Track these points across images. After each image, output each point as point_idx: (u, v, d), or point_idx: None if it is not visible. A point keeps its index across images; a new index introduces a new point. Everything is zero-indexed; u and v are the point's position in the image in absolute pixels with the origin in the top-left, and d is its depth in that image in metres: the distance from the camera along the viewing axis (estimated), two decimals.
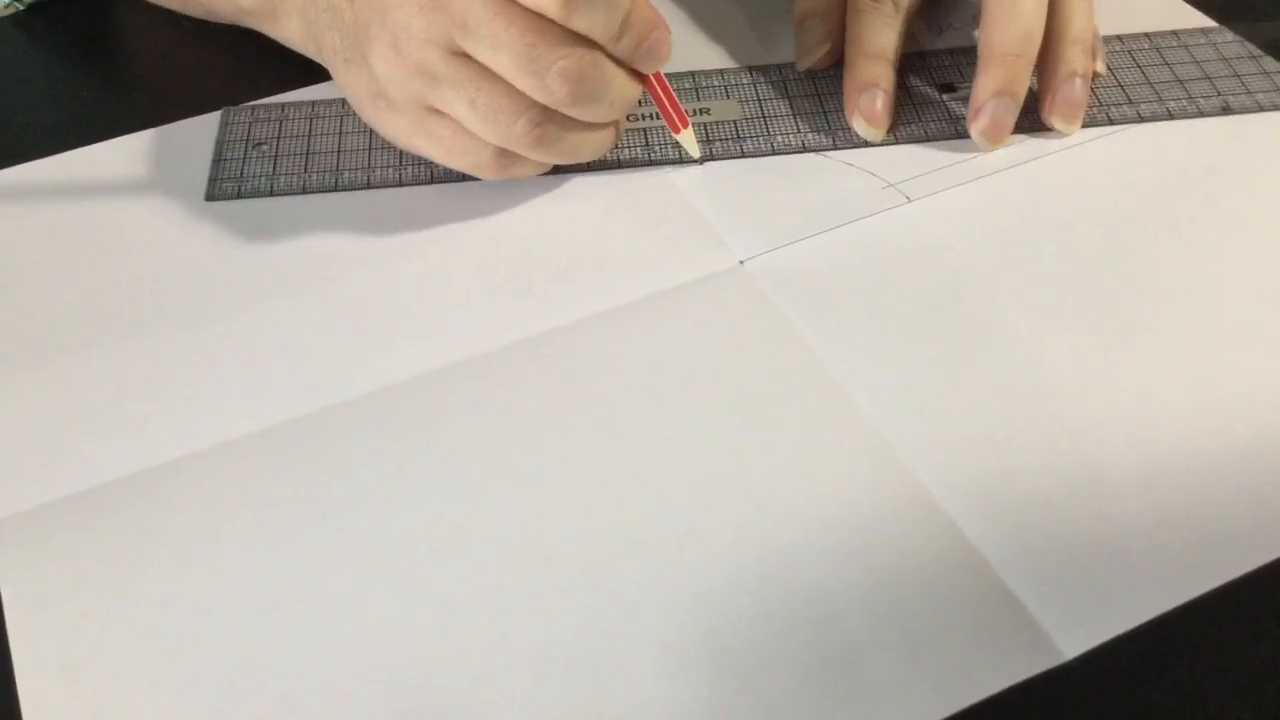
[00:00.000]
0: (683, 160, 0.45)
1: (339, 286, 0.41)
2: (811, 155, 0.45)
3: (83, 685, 0.31)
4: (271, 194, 0.44)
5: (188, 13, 0.51)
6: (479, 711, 0.30)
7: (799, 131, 0.45)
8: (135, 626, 0.32)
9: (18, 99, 0.49)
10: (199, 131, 0.46)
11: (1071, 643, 0.31)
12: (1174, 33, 0.49)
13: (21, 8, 0.53)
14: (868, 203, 0.43)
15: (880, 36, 0.45)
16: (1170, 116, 0.45)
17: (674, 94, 0.42)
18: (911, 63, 0.48)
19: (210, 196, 0.44)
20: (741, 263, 0.41)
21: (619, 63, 0.39)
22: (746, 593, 0.32)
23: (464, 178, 0.43)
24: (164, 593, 0.33)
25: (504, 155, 0.41)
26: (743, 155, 0.45)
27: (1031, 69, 0.44)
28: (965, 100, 0.45)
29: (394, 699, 0.30)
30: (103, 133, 0.46)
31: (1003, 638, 0.31)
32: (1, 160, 0.46)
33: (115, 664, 0.31)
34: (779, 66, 0.49)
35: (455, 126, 0.40)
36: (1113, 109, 0.46)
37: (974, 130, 0.44)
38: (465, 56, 0.38)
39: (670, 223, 0.42)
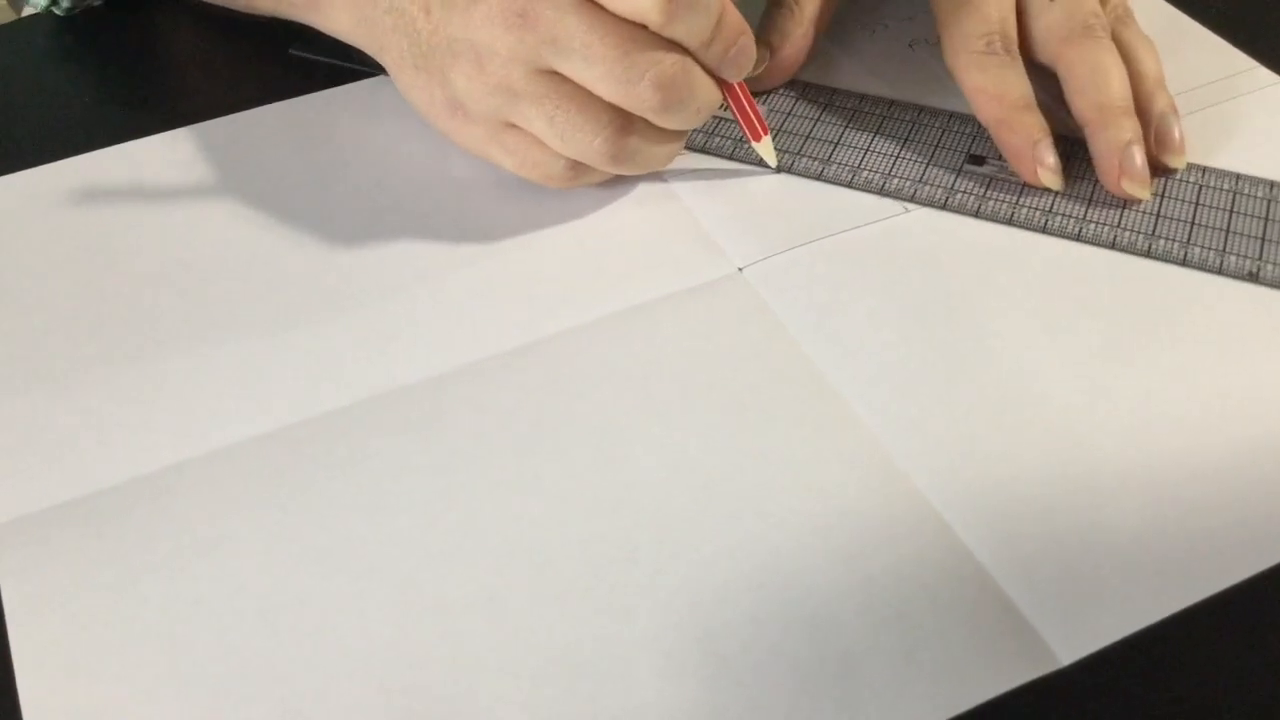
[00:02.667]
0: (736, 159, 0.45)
1: (338, 292, 0.41)
2: (809, 161, 0.45)
3: (83, 688, 0.31)
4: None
5: (229, 6, 0.51)
6: (477, 716, 0.30)
7: (799, 154, 0.45)
8: (135, 630, 0.32)
9: (22, 103, 0.50)
10: (200, 137, 0.47)
11: (1067, 649, 0.31)
12: (1270, 183, 0.43)
13: (60, 13, 0.53)
14: (866, 211, 0.43)
15: (1016, 85, 0.43)
16: (1182, 263, 0.40)
17: (754, 101, 0.43)
18: (951, 125, 0.46)
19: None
20: (740, 269, 0.41)
21: (705, 69, 0.40)
22: (744, 598, 0.32)
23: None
24: (164, 596, 0.33)
25: (576, 167, 0.41)
26: (731, 158, 0.45)
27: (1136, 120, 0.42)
28: (988, 176, 0.43)
29: (392, 703, 0.30)
30: (115, 137, 0.47)
31: (999, 643, 0.31)
32: (10, 164, 0.46)
33: (115, 667, 0.31)
34: (829, 89, 0.48)
35: (530, 140, 0.41)
36: (1123, 233, 0.41)
37: (1124, 184, 0.41)
38: (547, 74, 0.39)
39: (669, 229, 0.43)
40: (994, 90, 0.43)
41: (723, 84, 0.41)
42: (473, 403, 0.37)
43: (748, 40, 0.40)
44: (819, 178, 0.44)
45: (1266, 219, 0.41)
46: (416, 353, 0.39)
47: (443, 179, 0.45)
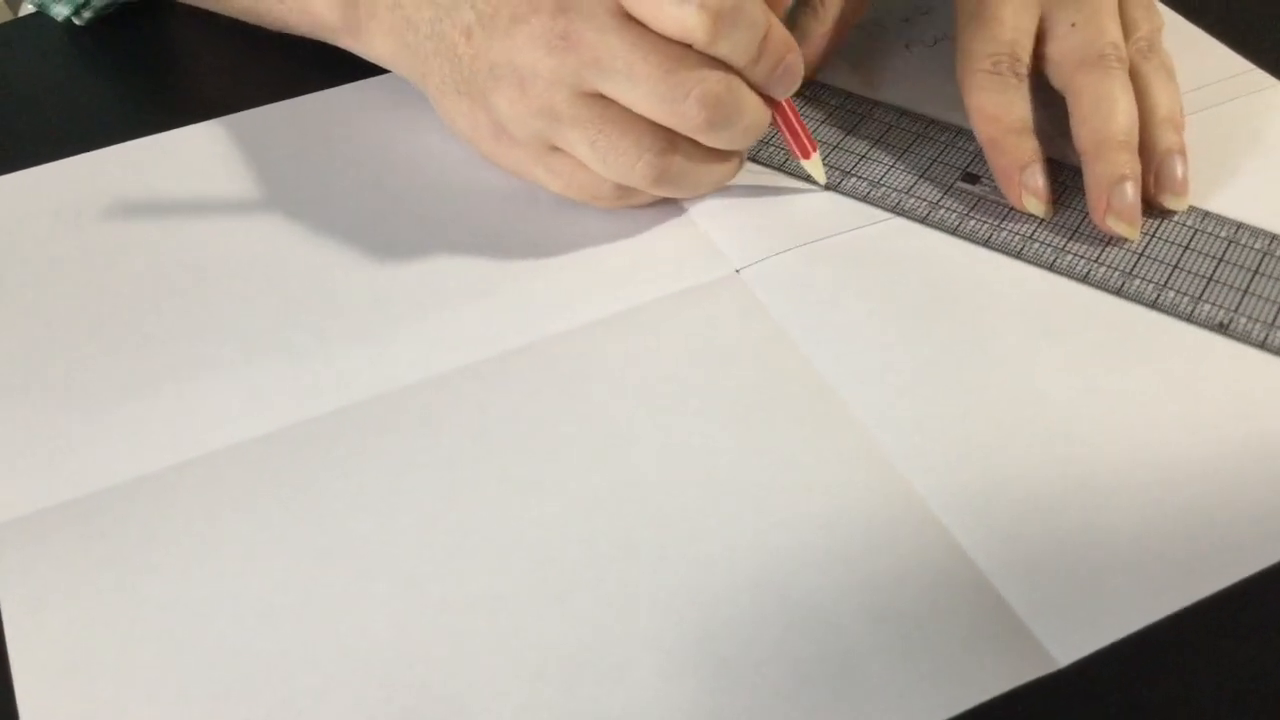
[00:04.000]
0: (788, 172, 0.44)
1: (339, 291, 0.41)
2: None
3: (81, 689, 0.31)
4: None
5: (261, 24, 0.50)
6: (477, 714, 0.30)
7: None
8: (134, 630, 0.32)
9: (25, 102, 0.50)
10: (201, 136, 0.47)
11: (1065, 650, 0.31)
12: (1271, 235, 0.41)
13: (80, 23, 0.52)
14: (865, 213, 0.43)
15: (1015, 108, 0.42)
16: (1153, 306, 0.39)
17: (802, 118, 0.42)
18: (956, 141, 0.45)
19: None
20: (737, 271, 0.41)
21: (752, 87, 0.39)
22: (743, 598, 0.32)
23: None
24: (163, 597, 0.33)
25: (623, 188, 0.41)
26: (780, 169, 0.45)
27: (1136, 156, 0.41)
28: (978, 196, 0.43)
29: (392, 702, 0.30)
30: (117, 136, 0.47)
31: (996, 645, 0.31)
32: (15, 162, 0.46)
33: (114, 668, 0.31)
34: (844, 93, 0.48)
35: (575, 162, 0.40)
36: (1098, 268, 0.40)
37: (1109, 220, 0.40)
38: (590, 96, 0.38)
39: (667, 231, 0.42)
40: (991, 110, 0.42)
41: (770, 101, 0.40)
42: (472, 403, 0.37)
43: (795, 57, 0.39)
44: (808, 179, 0.44)
45: (1255, 272, 0.40)
46: (416, 353, 0.39)
47: (443, 180, 0.45)
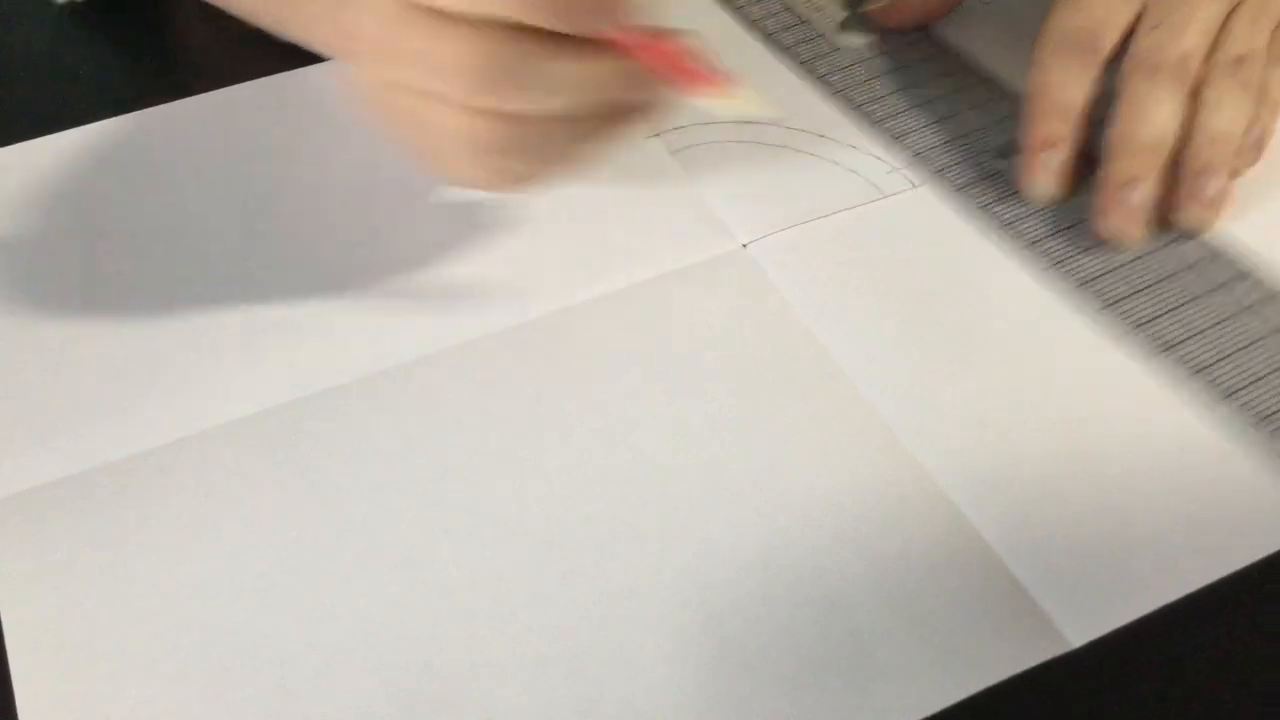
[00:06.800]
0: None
1: (338, 268, 0.40)
2: (815, 137, 0.44)
3: (77, 667, 0.30)
4: None
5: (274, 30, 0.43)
6: (478, 698, 0.30)
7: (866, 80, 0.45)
8: (131, 610, 0.31)
9: (18, 76, 0.49)
10: (200, 109, 0.46)
11: (1077, 631, 0.30)
12: (1273, 294, 0.37)
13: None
14: (872, 188, 0.42)
15: (1068, 90, 0.41)
16: (1095, 314, 0.37)
17: (680, 49, 0.31)
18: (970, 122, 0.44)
19: None
20: (744, 246, 0.40)
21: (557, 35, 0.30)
22: (749, 578, 0.32)
23: None
24: (160, 576, 0.32)
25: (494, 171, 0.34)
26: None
27: (1160, 166, 0.39)
28: (997, 170, 0.42)
29: (392, 684, 0.30)
30: (115, 109, 0.46)
31: (1008, 625, 0.30)
32: (10, 136, 0.45)
33: (110, 646, 0.31)
34: (946, 46, 0.47)
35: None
36: (1059, 269, 0.38)
37: (1102, 221, 0.39)
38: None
39: (672, 205, 0.41)
40: (1042, 86, 0.41)
41: (609, 44, 0.30)
42: (476, 380, 0.37)
43: None
44: (851, 102, 0.44)
45: (1226, 319, 0.37)
46: (417, 330, 0.38)
47: None
